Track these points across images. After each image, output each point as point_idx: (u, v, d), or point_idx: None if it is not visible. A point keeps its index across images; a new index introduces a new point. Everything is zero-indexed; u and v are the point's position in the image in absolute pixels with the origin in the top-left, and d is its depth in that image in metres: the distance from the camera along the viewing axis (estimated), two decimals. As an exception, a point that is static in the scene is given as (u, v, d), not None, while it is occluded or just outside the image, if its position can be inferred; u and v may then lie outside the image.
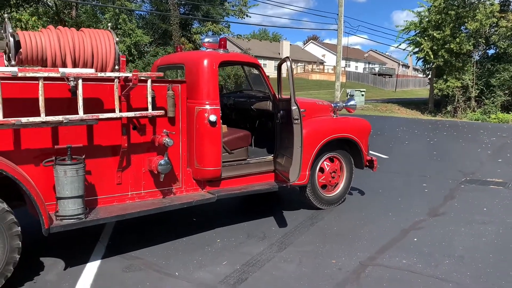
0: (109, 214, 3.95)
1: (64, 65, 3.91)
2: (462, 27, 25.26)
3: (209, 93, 4.61)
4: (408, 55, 30.45)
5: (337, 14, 26.88)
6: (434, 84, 27.21)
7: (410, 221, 5.26)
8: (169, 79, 4.85)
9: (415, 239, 4.68)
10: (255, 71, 5.64)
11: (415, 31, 27.22)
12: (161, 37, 34.31)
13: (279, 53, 60.62)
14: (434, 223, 5.22)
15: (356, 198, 6.32)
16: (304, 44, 78.83)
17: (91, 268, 3.95)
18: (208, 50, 4.98)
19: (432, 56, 25.32)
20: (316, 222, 5.25)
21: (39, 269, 3.90)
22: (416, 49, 27.22)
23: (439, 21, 24.82)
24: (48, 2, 32.50)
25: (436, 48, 25.10)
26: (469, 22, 23.66)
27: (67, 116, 3.59)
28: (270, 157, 5.28)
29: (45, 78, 3.50)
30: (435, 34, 24.69)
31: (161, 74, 4.34)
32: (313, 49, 73.29)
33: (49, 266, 3.97)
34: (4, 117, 3.33)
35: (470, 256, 4.22)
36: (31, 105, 3.52)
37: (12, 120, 3.37)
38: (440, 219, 5.35)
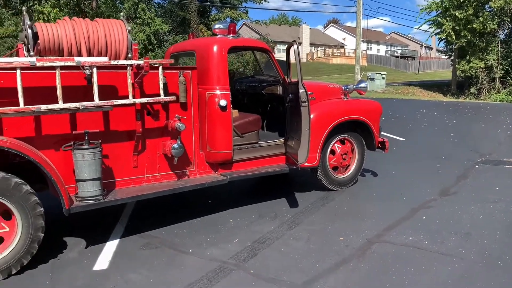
0: (126, 195, 4.17)
1: (79, 54, 4.12)
2: (486, 6, 24.56)
3: (219, 79, 4.75)
4: (430, 36, 29.80)
5: (356, -4, 26.54)
6: (456, 66, 26.63)
7: (420, 200, 5.33)
8: (180, 66, 5.01)
9: (424, 218, 4.76)
10: (265, 55, 5.74)
11: (436, 11, 26.61)
12: (179, 25, 34.49)
13: (299, 38, 60.11)
14: (444, 202, 5.28)
15: (368, 179, 6.41)
16: (325, 27, 77.83)
17: (111, 246, 4.19)
18: (219, 36, 5.11)
19: (454, 37, 24.73)
20: (327, 203, 5.38)
21: (62, 248, 4.17)
22: (438, 30, 26.62)
23: (461, 0, 24.18)
24: (69, -6, 33.02)
25: (458, 28, 24.50)
26: (493, 1, 22.97)
27: (84, 103, 3.80)
28: (281, 140, 5.41)
29: (62, 67, 3.71)
30: (457, 13, 24.07)
31: (172, 61, 4.50)
32: (334, 32, 72.33)
33: (71, 245, 4.23)
34: (25, 105, 3.57)
35: (476, 233, 4.29)
36: (49, 93, 3.73)
37: (32, 107, 3.60)
38: (450, 199, 5.40)
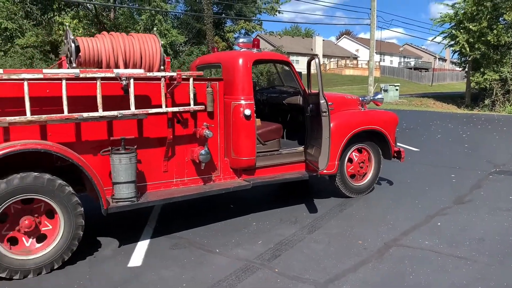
0: (157, 197, 4.46)
1: (116, 66, 4.44)
2: (500, 18, 24.64)
3: (244, 89, 5.04)
4: (444, 48, 29.92)
5: (370, 9, 26.83)
6: (471, 78, 26.67)
7: (435, 208, 5.52)
8: (208, 77, 5.30)
9: (439, 224, 4.96)
10: (286, 68, 6.03)
11: (450, 24, 26.76)
12: (195, 36, 35.10)
13: (312, 49, 60.54)
14: (458, 210, 5.46)
15: (384, 187, 6.61)
16: (337, 39, 78.28)
17: (142, 246, 4.46)
18: (243, 49, 5.41)
19: (468, 49, 24.84)
20: (345, 209, 5.60)
21: (98, 246, 4.45)
22: (452, 42, 26.76)
23: (475, 13, 24.32)
24: (88, 6, 33.87)
25: (472, 40, 24.61)
26: (507, 13, 23.07)
27: (121, 111, 4.10)
28: (301, 148, 5.66)
29: (102, 78, 4.03)
30: (471, 26, 24.21)
31: (201, 73, 4.79)
32: (347, 44, 72.71)
33: (105, 244, 4.51)
34: (68, 113, 3.88)
35: (490, 238, 4.48)
36: (89, 101, 4.04)
37: (75, 115, 3.91)
38: (464, 206, 5.58)
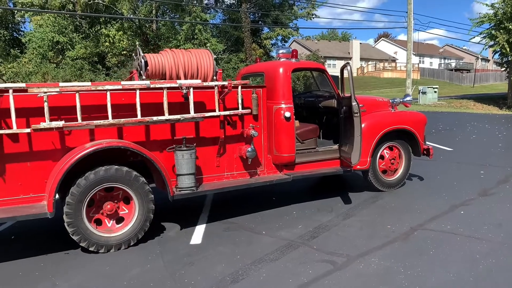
0: (212, 187, 5.26)
1: (177, 77, 5.28)
2: (541, 17, 24.22)
3: (284, 95, 5.77)
4: (483, 48, 29.52)
5: (406, 12, 26.99)
6: (511, 78, 26.27)
7: (460, 199, 6.04)
8: (253, 85, 6.06)
9: (462, 212, 5.49)
10: (322, 74, 6.72)
11: (489, 24, 26.49)
12: (233, 44, 36.18)
13: (349, 53, 60.59)
14: (482, 201, 5.96)
15: (415, 182, 7.15)
16: (375, 41, 77.72)
17: (200, 229, 5.27)
18: (282, 59, 6.15)
19: (508, 49, 24.56)
20: (377, 201, 6.20)
21: (163, 229, 5.29)
22: (492, 43, 26.47)
23: (515, 13, 24.05)
24: (132, 18, 35.62)
25: (512, 40, 24.34)
26: (548, 12, 22.70)
27: (183, 115, 4.93)
28: (336, 146, 6.32)
29: (167, 88, 4.87)
30: (510, 26, 23.95)
31: (248, 81, 5.57)
32: (385, 46, 72.09)
33: (169, 228, 5.34)
34: (141, 117, 4.74)
35: (507, 224, 4.99)
36: (157, 107, 4.89)
37: (147, 118, 4.77)
38: (488, 198, 6.07)
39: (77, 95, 4.42)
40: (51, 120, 4.35)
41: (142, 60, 5.20)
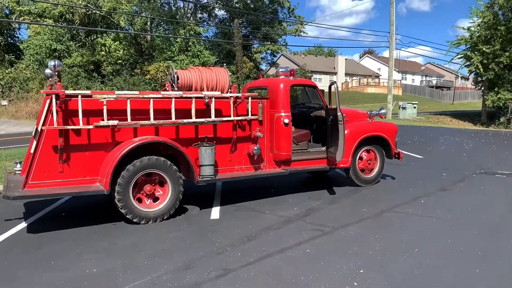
0: (226, 177, 6.65)
1: (201, 89, 6.67)
2: (513, 41, 26.31)
3: (284, 105, 7.20)
4: (459, 68, 31.68)
5: (389, 32, 28.91)
6: (485, 96, 28.30)
7: (423, 193, 7.53)
8: (260, 97, 7.49)
9: (422, 201, 6.97)
10: (313, 90, 8.19)
11: (465, 46, 28.54)
12: (225, 57, 37.70)
13: (334, 68, 62.68)
14: (440, 194, 7.46)
15: (388, 181, 8.63)
16: (360, 57, 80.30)
17: (215, 210, 6.63)
18: (282, 77, 7.60)
19: (482, 70, 26.57)
20: (356, 193, 7.65)
21: (186, 210, 6.63)
22: (468, 63, 28.51)
23: (489, 36, 26.11)
24: (127, 28, 36.80)
25: (486, 62, 26.35)
26: (520, 36, 24.74)
27: (206, 119, 6.32)
28: (323, 148, 7.76)
29: (195, 97, 6.26)
30: (484, 48, 25.99)
31: (256, 94, 6.99)
32: (369, 62, 74.64)
33: (191, 209, 6.69)
34: (175, 119, 6.12)
35: (457, 208, 6.48)
36: (185, 112, 6.27)
37: (179, 121, 6.14)
38: (445, 193, 7.57)
39: (128, 101, 5.79)
40: (108, 119, 5.72)
41: (175, 75, 6.59)
